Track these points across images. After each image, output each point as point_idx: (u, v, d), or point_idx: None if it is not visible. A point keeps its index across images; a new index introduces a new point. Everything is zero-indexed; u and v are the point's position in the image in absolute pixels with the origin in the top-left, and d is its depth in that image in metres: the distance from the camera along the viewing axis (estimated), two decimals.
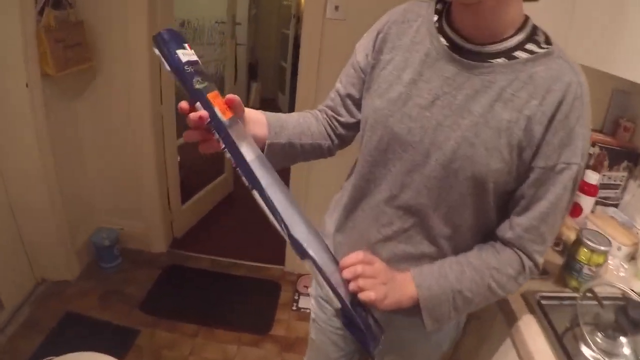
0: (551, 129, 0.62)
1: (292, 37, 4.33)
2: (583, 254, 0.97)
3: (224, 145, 0.59)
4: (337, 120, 0.85)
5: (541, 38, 0.66)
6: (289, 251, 2.33)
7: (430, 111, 0.68)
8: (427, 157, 0.69)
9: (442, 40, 0.69)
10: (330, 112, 0.86)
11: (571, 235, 1.10)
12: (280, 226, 0.59)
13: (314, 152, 0.84)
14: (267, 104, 5.08)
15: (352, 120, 0.84)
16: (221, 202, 2.97)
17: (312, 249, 0.60)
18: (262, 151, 0.72)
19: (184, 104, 0.60)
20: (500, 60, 0.65)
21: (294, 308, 2.13)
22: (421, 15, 0.74)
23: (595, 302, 0.94)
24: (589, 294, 0.93)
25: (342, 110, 0.85)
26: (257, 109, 0.74)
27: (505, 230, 0.71)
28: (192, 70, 0.59)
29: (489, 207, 0.70)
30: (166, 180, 2.32)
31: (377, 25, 0.79)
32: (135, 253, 2.34)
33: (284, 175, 0.79)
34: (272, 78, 5.20)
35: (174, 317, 1.97)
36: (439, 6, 0.73)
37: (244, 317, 2.03)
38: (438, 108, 0.67)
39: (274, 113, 0.79)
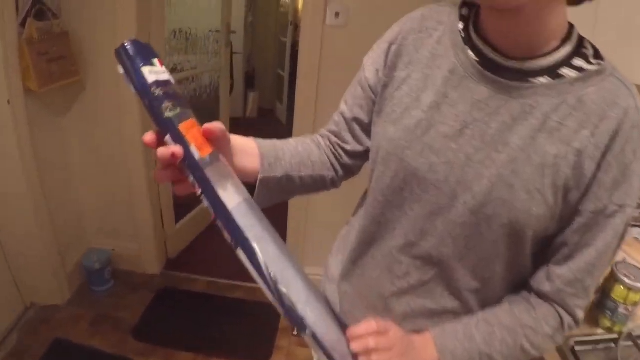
0: (604, 165, 0.51)
1: (290, 45, 4.26)
2: (619, 292, 0.87)
3: (200, 190, 0.48)
4: (342, 148, 0.73)
5: (590, 52, 0.54)
6: None
7: (458, 143, 0.56)
8: (453, 200, 0.57)
9: (471, 53, 0.57)
10: (334, 139, 0.74)
11: None
12: (272, 293, 0.48)
13: (315, 185, 0.72)
14: (265, 114, 4.98)
15: (359, 148, 0.72)
16: None
17: (312, 318, 0.49)
18: (254, 184, 0.61)
19: (148, 137, 0.48)
20: (544, 80, 0.53)
21: (295, 333, 2.01)
22: (443, 22, 0.61)
23: (631, 343, 0.84)
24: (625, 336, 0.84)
25: (348, 137, 0.72)
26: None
27: (542, 281, 0.60)
28: (161, 93, 0.47)
29: (524, 256, 0.59)
30: (159, 198, 2.21)
31: (388, 35, 0.66)
32: (127, 275, 2.23)
33: (279, 205, 0.68)
34: (270, 87, 5.10)
35: (168, 345, 1.86)
36: (464, 11, 0.61)
37: (242, 344, 1.92)
38: (467, 139, 0.56)
39: (267, 140, 0.68)
